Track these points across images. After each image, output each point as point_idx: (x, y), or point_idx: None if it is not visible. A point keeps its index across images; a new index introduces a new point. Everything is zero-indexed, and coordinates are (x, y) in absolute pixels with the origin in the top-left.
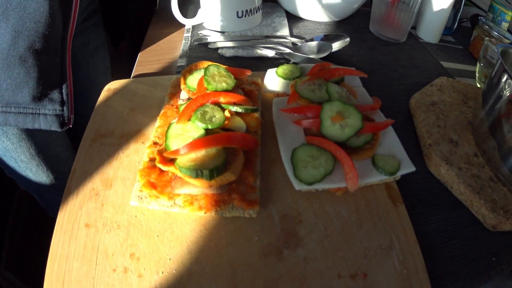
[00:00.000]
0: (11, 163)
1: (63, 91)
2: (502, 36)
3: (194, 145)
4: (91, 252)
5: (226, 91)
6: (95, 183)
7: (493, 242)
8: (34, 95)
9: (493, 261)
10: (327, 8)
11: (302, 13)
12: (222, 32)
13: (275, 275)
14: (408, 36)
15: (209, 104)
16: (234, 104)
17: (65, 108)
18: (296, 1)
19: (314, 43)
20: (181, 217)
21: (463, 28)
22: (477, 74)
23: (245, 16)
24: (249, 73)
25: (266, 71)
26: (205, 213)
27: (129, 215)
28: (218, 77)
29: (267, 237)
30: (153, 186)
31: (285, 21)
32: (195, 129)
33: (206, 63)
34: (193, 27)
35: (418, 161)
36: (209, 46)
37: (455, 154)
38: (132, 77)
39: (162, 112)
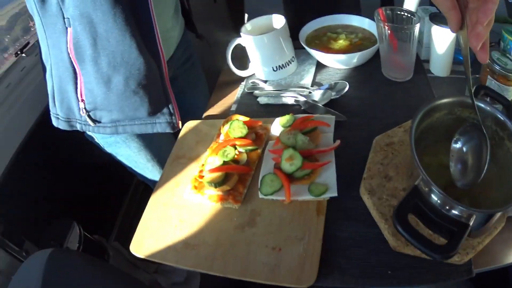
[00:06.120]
0: (132, 165)
1: (170, 107)
2: (504, 70)
3: (211, 171)
4: (164, 218)
5: (240, 137)
6: (172, 184)
7: (393, 259)
8: (149, 112)
9: (388, 273)
10: (337, 60)
11: (323, 62)
12: (265, 81)
13: (237, 238)
14: (419, 72)
15: (228, 146)
16: (243, 145)
17: (173, 118)
18: (317, 54)
19: (320, 92)
20: (207, 206)
21: None
22: None
23: (279, 69)
24: (260, 123)
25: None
26: (215, 203)
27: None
28: (237, 128)
29: (240, 220)
30: (195, 188)
31: (313, 69)
32: (219, 160)
33: (236, 117)
34: (248, 76)
35: (357, 188)
36: (253, 94)
37: (382, 187)
38: (203, 117)
39: (210, 146)
